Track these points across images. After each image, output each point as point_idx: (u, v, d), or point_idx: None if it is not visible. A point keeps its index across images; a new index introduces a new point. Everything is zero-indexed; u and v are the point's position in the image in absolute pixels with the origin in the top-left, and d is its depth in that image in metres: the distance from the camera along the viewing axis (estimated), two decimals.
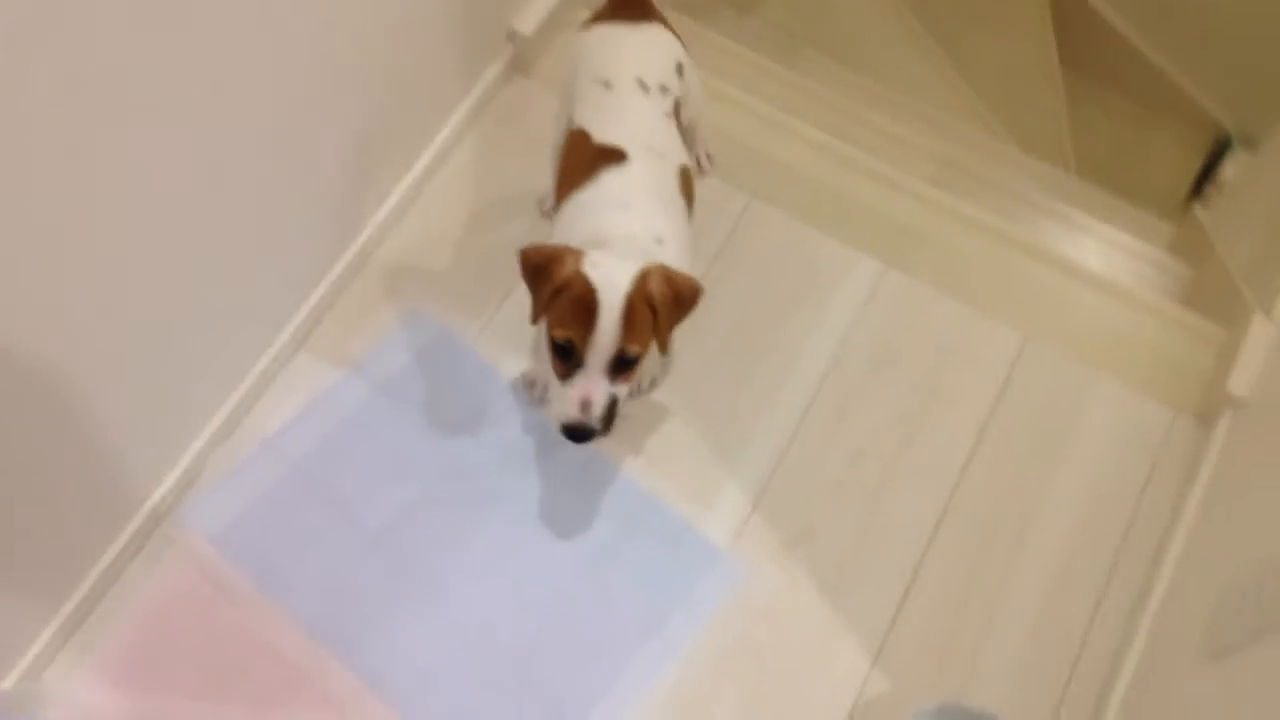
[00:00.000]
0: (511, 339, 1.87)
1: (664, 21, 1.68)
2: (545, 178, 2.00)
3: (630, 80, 1.56)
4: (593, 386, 1.34)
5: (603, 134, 1.52)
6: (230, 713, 1.59)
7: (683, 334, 1.89)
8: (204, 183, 1.43)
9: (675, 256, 1.42)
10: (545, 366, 1.54)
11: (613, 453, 1.81)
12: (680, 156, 1.57)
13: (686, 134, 1.72)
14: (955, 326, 1.94)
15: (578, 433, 1.36)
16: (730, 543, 1.77)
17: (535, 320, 1.37)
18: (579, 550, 1.75)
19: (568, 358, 1.35)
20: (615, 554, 1.74)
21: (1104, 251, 2.21)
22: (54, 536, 1.52)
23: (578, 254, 1.33)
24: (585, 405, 1.35)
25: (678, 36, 1.68)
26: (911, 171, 2.15)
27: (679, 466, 1.81)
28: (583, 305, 1.31)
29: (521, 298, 1.86)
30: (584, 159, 1.50)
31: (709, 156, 2.03)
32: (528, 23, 2.05)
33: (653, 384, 1.84)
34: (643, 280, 1.32)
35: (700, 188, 2.00)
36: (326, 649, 1.64)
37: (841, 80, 2.54)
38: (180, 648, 1.63)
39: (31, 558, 1.50)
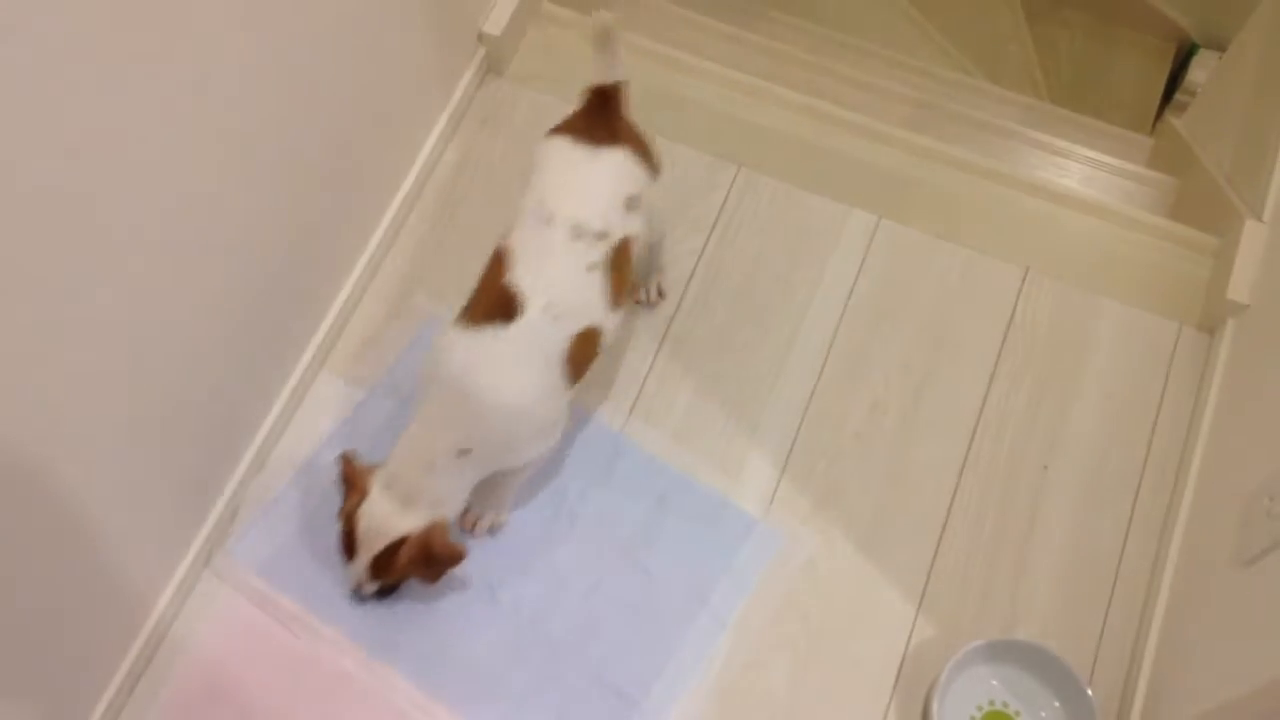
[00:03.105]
0: None
1: (633, 141, 1.61)
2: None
3: (566, 223, 1.52)
4: (357, 576, 1.60)
5: (520, 269, 1.52)
6: None
7: (690, 309, 1.93)
8: (199, 213, 1.45)
9: (488, 455, 1.56)
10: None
11: (638, 436, 1.84)
12: (590, 317, 1.55)
13: (641, 262, 1.74)
14: (954, 268, 1.97)
15: (360, 598, 1.66)
16: (764, 511, 1.80)
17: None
18: (618, 536, 1.78)
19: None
20: (653, 536, 1.78)
21: (1088, 174, 2.24)
22: (100, 593, 1.54)
23: (364, 490, 1.54)
24: (355, 583, 1.62)
25: (646, 155, 1.63)
26: (890, 119, 2.17)
27: (704, 440, 1.84)
28: (347, 540, 1.57)
29: None
30: (491, 292, 1.53)
31: (660, 290, 1.92)
32: (495, 23, 2.05)
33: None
34: (394, 545, 1.53)
35: (689, 163, 2.03)
36: (387, 665, 1.67)
37: (808, 36, 2.55)
38: (245, 683, 1.66)
39: (82, 620, 1.52)
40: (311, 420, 1.84)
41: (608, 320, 1.58)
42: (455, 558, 1.56)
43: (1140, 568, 1.74)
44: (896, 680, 1.69)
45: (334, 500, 1.62)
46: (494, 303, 1.51)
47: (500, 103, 2.11)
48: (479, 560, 1.74)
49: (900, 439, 1.84)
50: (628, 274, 1.60)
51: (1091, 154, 2.26)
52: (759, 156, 2.06)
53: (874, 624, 1.73)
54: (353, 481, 1.56)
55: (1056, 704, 1.64)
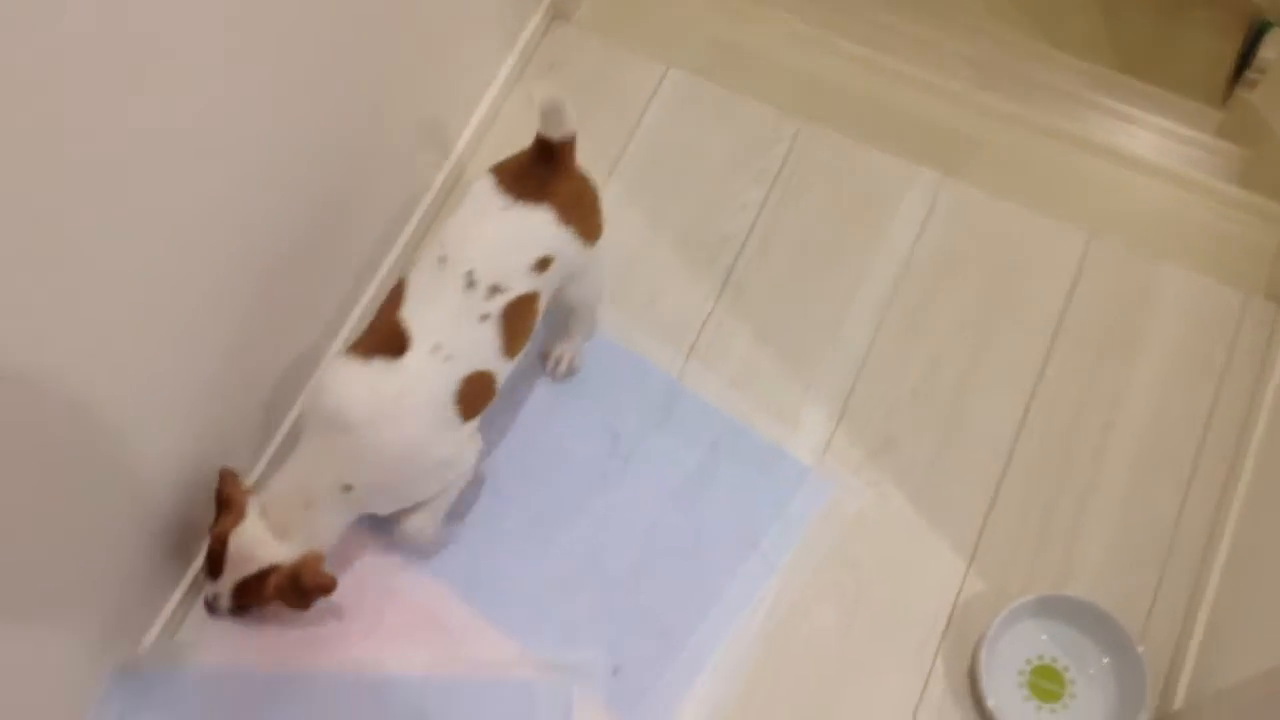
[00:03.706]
0: None
1: (566, 203, 1.52)
2: (599, 120, 2.03)
3: (460, 269, 1.46)
4: (217, 594, 1.55)
5: (411, 306, 1.48)
6: (357, 644, 1.66)
7: (751, 259, 1.93)
8: (256, 177, 1.46)
9: (373, 492, 1.52)
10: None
11: (694, 382, 1.85)
12: (478, 363, 1.50)
13: (570, 318, 1.74)
14: (1018, 228, 1.96)
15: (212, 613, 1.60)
16: (817, 460, 1.80)
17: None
18: (671, 477, 1.79)
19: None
20: (706, 479, 1.79)
21: (1156, 141, 2.21)
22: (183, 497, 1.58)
23: (240, 512, 1.49)
24: (211, 599, 1.57)
25: (579, 220, 1.54)
26: (954, 77, 2.15)
27: (760, 388, 1.85)
28: (213, 558, 1.52)
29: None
30: (383, 324, 1.49)
31: (570, 362, 1.81)
32: None
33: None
34: (263, 574, 1.50)
35: (752, 115, 2.03)
36: (444, 586, 1.70)
37: None
38: None
39: (162, 520, 1.55)
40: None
41: (502, 366, 1.53)
42: (325, 589, 1.50)
43: (1198, 530, 1.73)
44: (945, 632, 1.69)
45: None
46: (383, 337, 1.47)
47: (567, 49, 2.12)
48: (536, 495, 1.76)
49: (958, 395, 1.84)
50: (527, 328, 1.55)
51: (1158, 120, 2.23)
52: (823, 110, 2.05)
53: (923, 576, 1.73)
54: (229, 501, 1.50)
55: (1106, 660, 1.64)
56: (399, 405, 1.45)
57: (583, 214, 1.56)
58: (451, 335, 1.47)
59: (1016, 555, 1.73)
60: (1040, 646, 1.66)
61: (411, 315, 1.47)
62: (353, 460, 1.46)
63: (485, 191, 1.51)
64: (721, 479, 1.79)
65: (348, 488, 1.48)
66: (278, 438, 1.75)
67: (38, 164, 1.08)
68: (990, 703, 1.58)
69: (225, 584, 1.52)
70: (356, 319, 1.83)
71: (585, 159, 1.95)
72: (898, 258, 1.93)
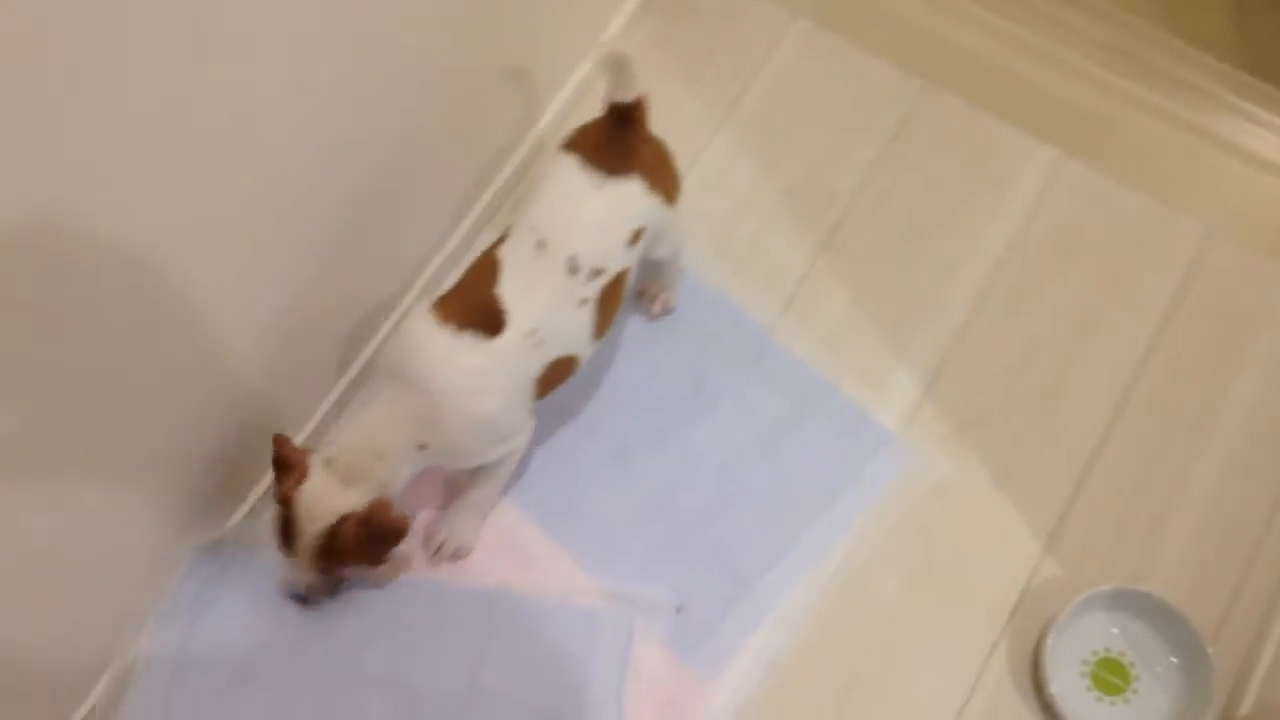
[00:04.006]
0: (697, 227, 1.89)
1: (649, 168, 1.51)
2: (718, 65, 2.00)
3: (563, 255, 1.45)
4: (296, 574, 1.53)
5: (509, 286, 1.46)
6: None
7: (857, 220, 1.91)
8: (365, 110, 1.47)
9: (445, 452, 1.50)
10: None
11: (786, 336, 1.84)
12: (571, 347, 1.51)
13: (655, 271, 1.75)
14: (1136, 217, 1.91)
15: (298, 601, 1.59)
16: (902, 427, 1.79)
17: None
18: (754, 427, 1.79)
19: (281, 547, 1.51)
20: (789, 433, 1.78)
21: None
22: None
23: (304, 471, 1.45)
24: (291, 584, 1.55)
25: (662, 182, 1.53)
26: (1086, 58, 2.10)
27: (852, 349, 1.84)
28: (286, 527, 1.47)
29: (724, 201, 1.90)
30: (475, 298, 1.47)
31: (665, 303, 1.82)
32: None
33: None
34: (337, 527, 1.44)
35: (875, 72, 2.00)
36: (521, 510, 1.72)
37: None
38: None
39: (250, 411, 1.60)
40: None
41: (589, 350, 1.54)
42: (399, 532, 1.48)
43: None
44: (1012, 612, 1.68)
45: None
46: (477, 311, 1.45)
47: None
48: (618, 429, 1.77)
49: (1055, 377, 1.81)
50: (617, 305, 1.55)
51: None
52: (949, 75, 2.01)
53: (997, 554, 1.72)
54: (289, 462, 1.47)
55: (1174, 660, 1.61)
56: (483, 382, 1.45)
57: (664, 175, 1.54)
58: (548, 320, 1.46)
59: (1095, 545, 1.71)
60: (1109, 639, 1.64)
61: (510, 295, 1.45)
62: (431, 423, 1.44)
63: (572, 171, 1.48)
64: (802, 434, 1.78)
65: (423, 446, 1.46)
66: (351, 372, 1.78)
67: (179, 42, 1.11)
68: (1052, 689, 1.57)
69: (304, 548, 1.47)
70: (434, 269, 1.83)
71: (699, 102, 1.96)
72: (1008, 232, 1.90)
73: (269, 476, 1.69)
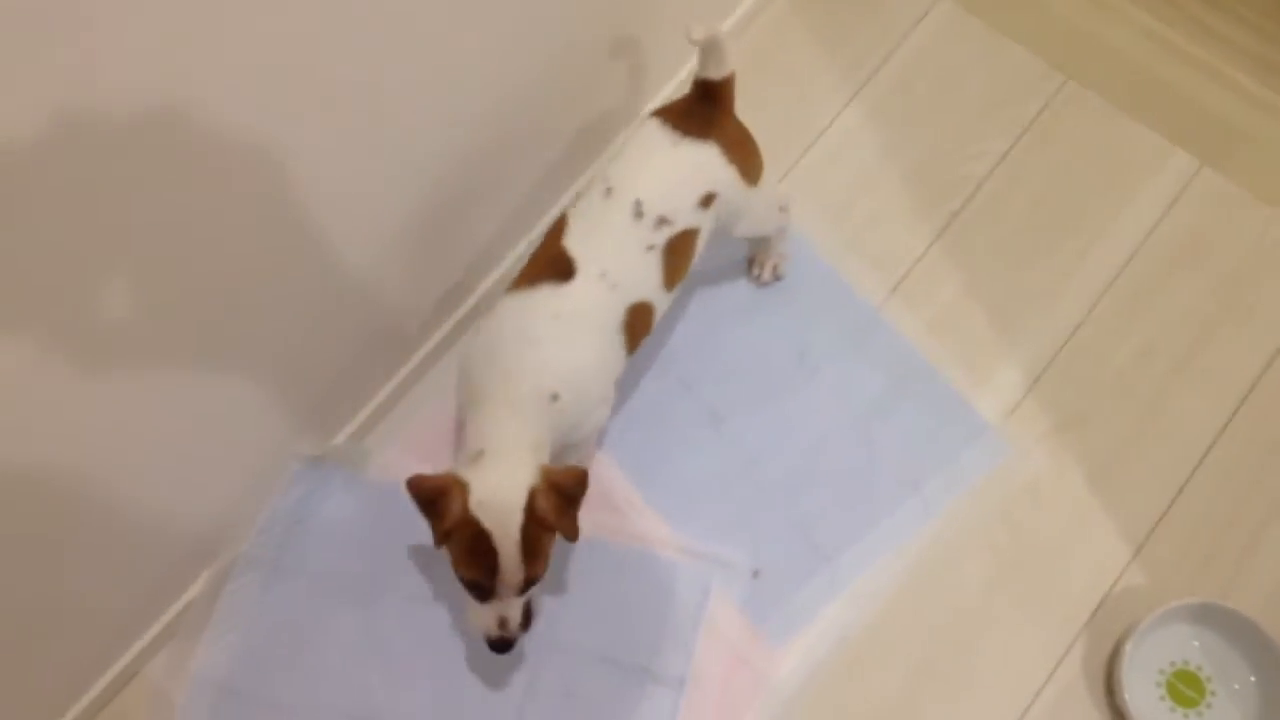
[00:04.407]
0: (813, 201, 1.90)
1: (729, 141, 1.51)
2: (858, 37, 2.00)
3: (629, 199, 1.45)
4: (507, 608, 1.41)
5: (576, 235, 1.46)
6: None
7: (979, 209, 1.90)
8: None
9: (573, 405, 1.44)
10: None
11: (893, 315, 1.84)
12: (642, 293, 1.48)
13: (762, 242, 1.76)
14: (1266, 234, 1.87)
15: (501, 646, 1.44)
16: (1001, 420, 1.78)
17: (438, 547, 1.37)
18: (851, 403, 1.80)
19: (478, 590, 1.39)
20: (885, 412, 1.79)
21: None
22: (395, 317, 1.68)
23: (463, 489, 1.33)
24: (503, 623, 1.42)
25: (742, 159, 1.53)
26: (1235, 68, 2.04)
27: (958, 337, 1.83)
28: (479, 549, 1.34)
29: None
30: (547, 253, 1.47)
31: (773, 270, 1.83)
32: None
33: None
34: (531, 505, 1.33)
35: (1015, 63, 1.98)
36: (613, 462, 1.76)
37: None
38: None
39: (370, 334, 1.65)
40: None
41: (661, 298, 1.52)
42: (583, 480, 1.39)
43: None
44: (1092, 616, 1.67)
45: None
46: (546, 265, 1.45)
47: None
48: (716, 391, 1.79)
49: (1163, 387, 1.78)
50: (686, 264, 1.53)
51: None
52: (1091, 71, 1.98)
53: (1084, 557, 1.71)
54: (439, 492, 1.35)
55: (1252, 679, 1.60)
56: (574, 324, 1.44)
57: (745, 154, 1.54)
58: (617, 262, 1.45)
59: (1185, 558, 1.69)
60: (1188, 652, 1.63)
61: (577, 243, 1.45)
62: (548, 370, 1.42)
63: (654, 130, 1.50)
64: (899, 416, 1.79)
65: (555, 396, 1.41)
66: (468, 301, 1.82)
67: None
68: (1125, 696, 1.56)
69: (507, 547, 1.34)
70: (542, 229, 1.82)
71: (832, 75, 1.96)
72: (1133, 237, 1.87)
73: (376, 399, 1.75)
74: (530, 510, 1.34)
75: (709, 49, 1.47)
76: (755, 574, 1.71)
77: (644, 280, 1.49)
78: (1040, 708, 1.63)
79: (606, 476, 1.75)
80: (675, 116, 1.50)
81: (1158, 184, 1.91)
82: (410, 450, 1.76)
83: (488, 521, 1.33)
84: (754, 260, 1.84)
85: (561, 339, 1.44)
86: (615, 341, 1.49)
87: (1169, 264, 1.85)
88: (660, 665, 1.64)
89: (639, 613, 1.68)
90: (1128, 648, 1.58)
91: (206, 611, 1.66)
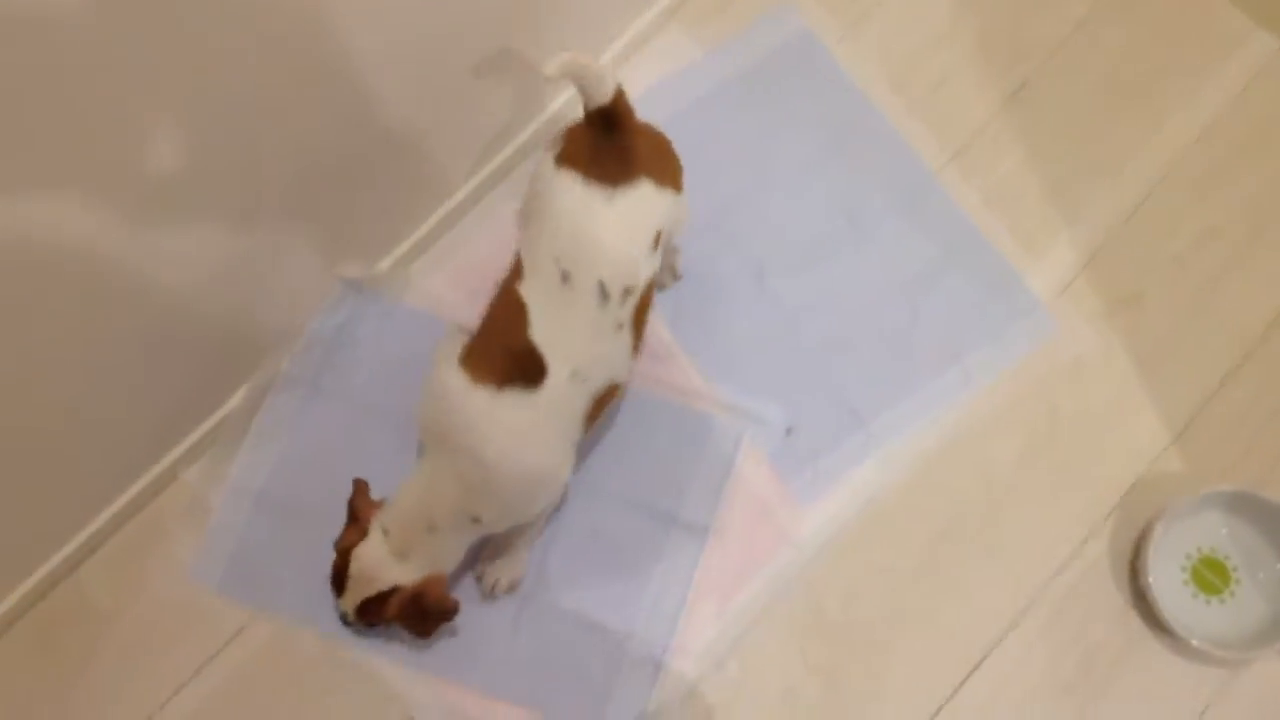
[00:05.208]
0: (879, 59, 1.84)
1: (651, 164, 1.37)
2: None
3: (590, 282, 1.32)
4: (341, 610, 1.50)
5: (540, 329, 1.34)
6: None
7: (1050, 77, 1.83)
8: None
9: (499, 522, 1.46)
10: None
11: (950, 183, 1.80)
12: (611, 373, 1.41)
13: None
14: None
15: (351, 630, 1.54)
16: (1051, 296, 1.75)
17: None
18: (899, 269, 1.77)
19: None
20: (933, 281, 1.76)
21: None
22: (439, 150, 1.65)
23: (364, 529, 1.44)
24: (336, 610, 1.51)
25: (665, 175, 1.40)
26: None
27: (1015, 208, 1.79)
28: (339, 575, 1.46)
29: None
30: (507, 348, 1.36)
31: (675, 272, 1.73)
32: None
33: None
34: (386, 594, 1.44)
35: None
36: (656, 309, 1.72)
37: None
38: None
39: (411, 164, 1.64)
40: (648, 66, 1.86)
41: (629, 373, 1.46)
42: (448, 613, 1.45)
43: None
44: (1123, 497, 1.66)
45: None
46: (512, 363, 1.34)
47: None
48: (762, 247, 1.77)
49: (1222, 272, 1.74)
50: (647, 314, 1.44)
51: None
52: None
53: (1122, 438, 1.69)
54: (356, 514, 1.47)
55: (1279, 567, 1.59)
56: (532, 437, 1.37)
57: (667, 166, 1.42)
58: (589, 355, 1.37)
59: (1224, 447, 1.67)
60: (1216, 539, 1.62)
61: (544, 340, 1.34)
62: (482, 493, 1.38)
63: (575, 189, 1.33)
64: (947, 285, 1.76)
65: (475, 519, 1.41)
66: (503, 153, 1.78)
67: None
68: (1149, 578, 1.56)
69: (348, 602, 1.46)
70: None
71: None
72: (1204, 117, 1.81)
73: (421, 229, 1.74)
74: (381, 597, 1.45)
75: (580, 77, 1.32)
76: (788, 431, 1.70)
77: (615, 361, 1.41)
78: (1062, 583, 1.63)
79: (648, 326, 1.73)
80: (588, 163, 1.34)
81: (1236, 64, 1.84)
82: (454, 283, 1.76)
83: (350, 571, 1.45)
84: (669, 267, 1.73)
85: (515, 455, 1.37)
86: (573, 435, 1.43)
87: (1239, 146, 1.79)
88: (686, 512, 1.66)
89: (669, 461, 1.69)
90: (1157, 530, 1.57)
91: (245, 423, 1.69)
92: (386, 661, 1.60)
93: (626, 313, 1.37)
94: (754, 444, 1.69)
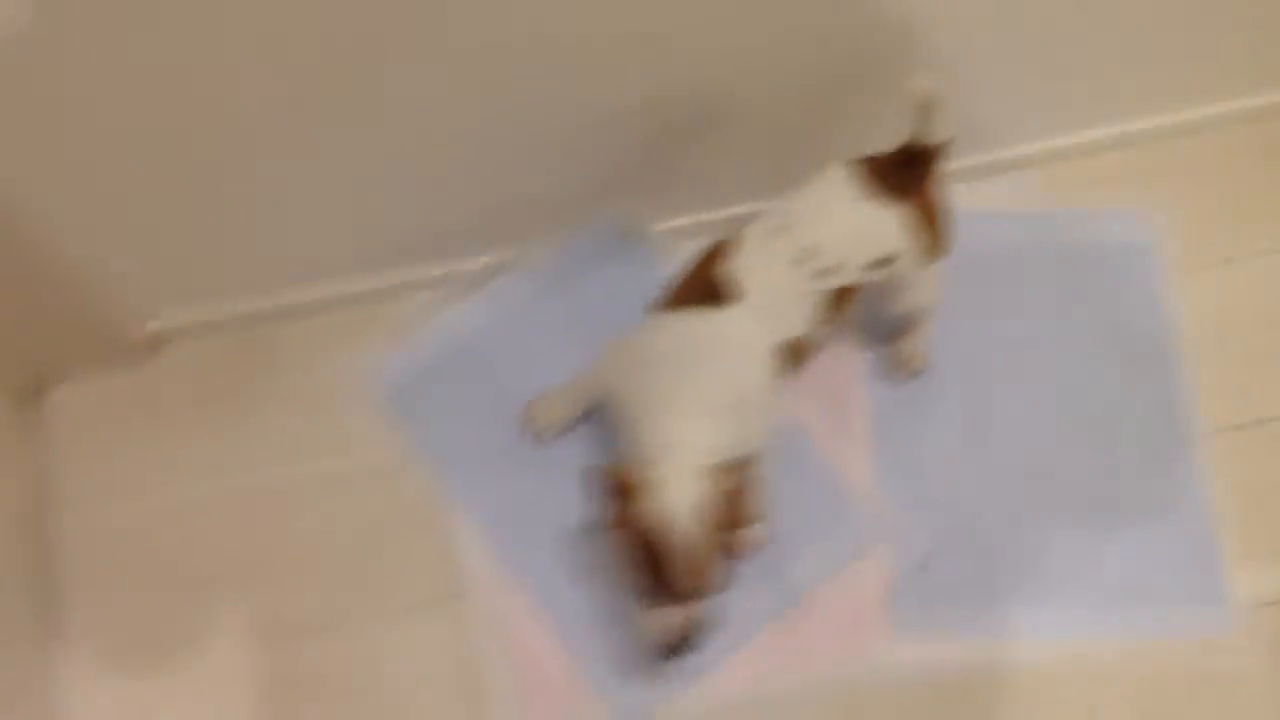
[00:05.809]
0: (1206, 303, 1.81)
1: (919, 209, 1.42)
2: None
3: (800, 242, 1.40)
4: (676, 615, 1.40)
5: (742, 263, 1.41)
6: None
7: None
8: None
9: (737, 423, 1.41)
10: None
11: (1209, 452, 1.73)
12: (794, 329, 1.43)
13: (905, 321, 1.65)
14: None
15: (674, 653, 1.44)
16: (1246, 605, 1.65)
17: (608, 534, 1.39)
18: (1112, 489, 1.73)
19: (644, 593, 1.38)
20: (1142, 518, 1.71)
21: None
22: None
23: (647, 486, 1.32)
24: (669, 631, 1.41)
25: (928, 230, 1.44)
26: None
27: (1259, 510, 1.71)
28: (650, 554, 1.33)
29: None
30: (702, 279, 1.43)
31: (915, 362, 1.73)
32: None
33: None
34: (720, 478, 1.34)
35: None
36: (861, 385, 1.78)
37: None
38: None
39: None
40: (985, 191, 1.88)
41: (818, 338, 1.47)
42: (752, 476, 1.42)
43: None
44: None
45: None
46: (706, 288, 1.42)
47: None
48: (992, 405, 1.76)
49: None
50: (845, 314, 1.48)
51: None
52: None
53: None
54: (628, 487, 1.35)
55: None
56: (726, 347, 1.42)
57: (933, 228, 1.46)
58: (777, 298, 1.42)
59: None
60: None
61: (743, 270, 1.41)
62: (707, 392, 1.41)
63: (837, 179, 1.43)
64: (1153, 531, 1.70)
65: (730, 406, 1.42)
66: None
67: None
68: None
69: (679, 575, 1.33)
70: None
71: None
72: None
73: (720, 213, 1.78)
74: (718, 487, 1.35)
75: (927, 107, 1.35)
76: (923, 567, 1.67)
77: (797, 315, 1.44)
78: None
79: (845, 384, 1.76)
80: (866, 171, 1.43)
81: None
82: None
83: (661, 521, 1.32)
84: (894, 347, 1.74)
85: (715, 359, 1.42)
86: (769, 369, 1.45)
87: None
88: (788, 570, 1.65)
89: (799, 515, 1.67)
90: None
91: (476, 285, 1.80)
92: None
93: (818, 287, 1.42)
94: (880, 560, 1.67)
